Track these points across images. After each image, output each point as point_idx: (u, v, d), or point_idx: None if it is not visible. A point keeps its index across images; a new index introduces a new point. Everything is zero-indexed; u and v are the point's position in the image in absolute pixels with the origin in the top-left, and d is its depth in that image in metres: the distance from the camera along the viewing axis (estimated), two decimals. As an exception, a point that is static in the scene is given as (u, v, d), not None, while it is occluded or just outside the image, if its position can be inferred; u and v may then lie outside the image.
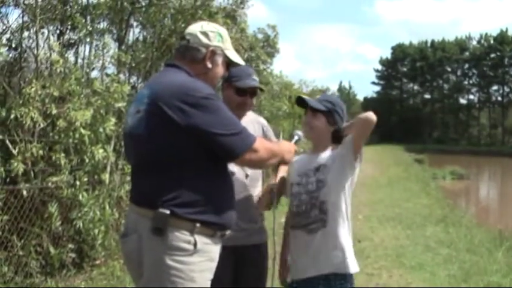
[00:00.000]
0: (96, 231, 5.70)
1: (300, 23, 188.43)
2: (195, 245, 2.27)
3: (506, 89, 74.96)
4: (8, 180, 5.42)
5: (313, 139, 2.93)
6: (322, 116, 2.84)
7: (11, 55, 7.09)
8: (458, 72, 79.29)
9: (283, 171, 3.07)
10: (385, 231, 8.72)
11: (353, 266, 2.78)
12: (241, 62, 2.67)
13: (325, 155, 2.85)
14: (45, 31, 6.98)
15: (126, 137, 2.50)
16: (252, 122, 3.19)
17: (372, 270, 6.19)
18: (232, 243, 2.72)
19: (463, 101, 79.72)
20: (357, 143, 2.73)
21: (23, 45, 6.97)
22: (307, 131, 2.91)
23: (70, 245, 5.67)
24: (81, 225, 5.56)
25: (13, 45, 7.02)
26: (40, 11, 6.35)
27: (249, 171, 3.07)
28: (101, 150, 5.69)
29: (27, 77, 6.79)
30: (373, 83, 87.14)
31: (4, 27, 6.95)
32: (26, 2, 6.69)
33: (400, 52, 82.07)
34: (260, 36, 18.38)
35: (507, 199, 20.79)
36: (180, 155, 2.29)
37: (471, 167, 32.62)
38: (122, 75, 7.84)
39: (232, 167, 2.70)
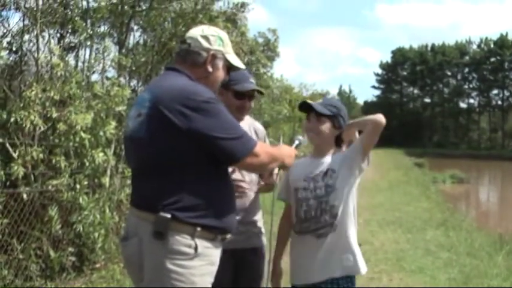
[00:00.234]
0: (96, 234, 5.70)
1: (300, 26, 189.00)
2: (195, 248, 2.27)
3: (506, 93, 75.06)
4: (8, 183, 5.41)
5: (319, 144, 2.92)
6: (327, 121, 2.84)
7: (11, 58, 7.09)
8: (459, 76, 79.40)
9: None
10: (385, 235, 8.71)
11: (363, 267, 2.81)
12: (242, 66, 2.68)
13: (330, 158, 2.85)
14: (46, 34, 6.98)
15: (127, 140, 2.50)
16: (248, 126, 3.19)
17: (372, 274, 6.18)
18: (231, 247, 2.73)
19: (463, 105, 79.96)
20: (367, 146, 2.75)
21: (24, 49, 6.98)
22: (313, 136, 2.89)
23: (70, 249, 5.66)
24: (81, 228, 5.55)
25: (14, 49, 7.02)
26: (41, 15, 6.36)
27: (246, 174, 3.07)
28: (101, 154, 5.68)
29: (27, 81, 6.79)
30: (373, 87, 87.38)
31: (5, 31, 6.96)
32: (27, 6, 6.70)
33: (400, 56, 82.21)
34: (260, 40, 18.42)
35: (507, 203, 20.79)
36: (181, 159, 2.29)
37: (471, 171, 32.62)
38: (122, 79, 7.84)
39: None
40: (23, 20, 6.83)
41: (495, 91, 76.28)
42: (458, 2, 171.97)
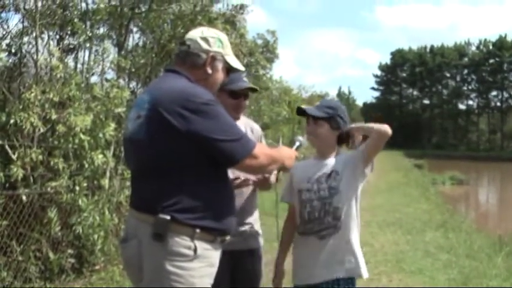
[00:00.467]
0: (96, 236, 5.70)
1: (300, 28, 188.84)
2: (195, 250, 2.27)
3: (505, 95, 75.21)
4: (7, 185, 5.41)
5: (319, 146, 2.94)
6: (324, 123, 2.85)
7: (10, 60, 7.10)
8: (458, 78, 79.52)
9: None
10: (385, 237, 8.71)
11: (364, 271, 2.82)
12: (241, 68, 2.68)
13: (334, 160, 2.86)
14: (45, 36, 7.00)
15: (126, 142, 2.49)
16: (244, 125, 3.21)
17: (371, 275, 6.17)
18: (228, 248, 2.73)
19: (462, 106, 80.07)
20: (370, 155, 2.76)
21: (23, 51, 6.99)
22: (313, 140, 2.92)
23: (69, 250, 5.66)
24: (80, 230, 5.56)
25: (13, 51, 7.03)
26: (40, 16, 6.37)
27: (243, 175, 3.07)
28: (100, 156, 5.69)
29: (27, 82, 6.80)
30: (373, 88, 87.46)
31: (4, 33, 6.97)
32: (26, 7, 6.70)
33: (400, 57, 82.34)
34: (259, 41, 18.44)
35: (506, 204, 20.80)
36: (181, 161, 2.29)
37: (470, 172, 32.64)
38: (121, 81, 7.85)
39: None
40: (23, 22, 6.85)
41: (494, 92, 76.44)
42: (457, 4, 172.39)
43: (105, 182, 6.05)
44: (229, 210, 2.45)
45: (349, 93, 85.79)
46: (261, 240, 3.26)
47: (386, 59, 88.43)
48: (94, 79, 7.50)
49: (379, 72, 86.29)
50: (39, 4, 6.53)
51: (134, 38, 8.81)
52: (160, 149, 2.29)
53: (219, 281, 2.46)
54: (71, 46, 7.57)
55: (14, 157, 5.38)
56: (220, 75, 2.57)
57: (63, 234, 5.62)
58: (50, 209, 5.46)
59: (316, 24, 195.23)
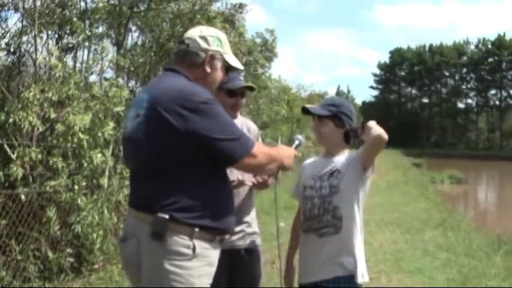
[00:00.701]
0: (95, 235, 5.69)
1: (299, 27, 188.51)
2: (194, 249, 2.27)
3: (504, 93, 75.29)
4: (6, 184, 5.41)
5: (325, 145, 2.94)
6: (329, 121, 2.85)
7: (9, 59, 7.09)
8: (456, 77, 79.58)
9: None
10: (383, 236, 8.72)
11: (364, 276, 2.81)
12: (240, 67, 2.68)
13: (340, 158, 2.85)
14: (44, 35, 6.98)
15: (126, 141, 2.49)
16: (241, 124, 3.21)
17: (371, 274, 6.13)
18: (225, 247, 2.72)
19: (461, 105, 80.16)
20: (367, 159, 2.73)
21: (22, 50, 6.98)
22: (318, 138, 2.94)
23: (68, 250, 5.66)
24: (79, 229, 5.55)
25: (12, 50, 7.02)
26: (39, 15, 6.36)
27: (240, 174, 3.07)
28: (99, 155, 5.68)
29: (25, 82, 6.79)
30: (372, 87, 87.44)
31: (3, 32, 6.96)
32: (25, 6, 6.69)
33: (398, 56, 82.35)
34: (258, 40, 18.43)
35: (505, 203, 20.82)
36: (180, 160, 2.29)
37: (469, 171, 32.68)
38: (120, 80, 7.85)
39: None
40: (22, 21, 6.84)
41: (493, 91, 76.54)
42: (456, 3, 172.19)
43: (104, 181, 6.04)
44: (228, 209, 2.45)
45: (348, 92, 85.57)
46: (259, 239, 3.27)
47: (386, 59, 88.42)
48: (93, 78, 7.49)
49: (378, 71, 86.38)
50: (38, 3, 6.52)
51: (133, 37, 8.81)
52: (159, 148, 2.29)
53: (217, 280, 2.45)
54: (70, 45, 7.57)
55: (13, 156, 5.37)
56: (219, 74, 2.57)
57: (62, 234, 5.62)
58: (49, 208, 5.46)
59: (315, 23, 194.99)
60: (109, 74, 7.90)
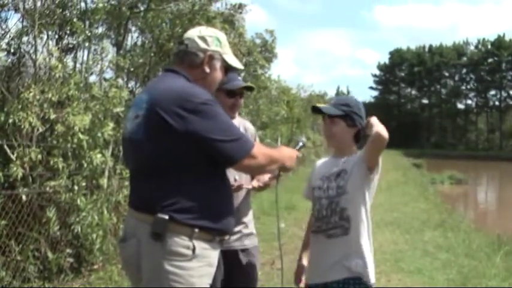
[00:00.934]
0: (94, 235, 5.69)
1: (298, 27, 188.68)
2: (193, 250, 2.27)
3: (504, 94, 75.31)
4: (6, 184, 5.41)
5: (335, 145, 2.90)
6: (340, 121, 2.81)
7: (9, 60, 7.10)
8: (456, 77, 79.63)
9: None
10: (383, 236, 8.70)
11: (372, 277, 2.74)
12: (240, 67, 2.67)
13: (349, 159, 2.81)
14: (44, 36, 6.98)
15: (125, 141, 2.49)
16: (238, 124, 3.21)
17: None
18: (223, 248, 2.72)
19: (460, 105, 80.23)
20: (370, 158, 2.69)
21: (22, 50, 6.98)
22: (328, 139, 2.90)
23: (68, 250, 5.66)
24: (79, 229, 5.55)
25: (12, 50, 7.02)
26: (39, 16, 6.36)
27: (237, 174, 3.07)
28: (99, 155, 5.68)
29: (25, 82, 6.78)
30: (371, 87, 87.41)
31: (3, 32, 6.97)
32: (26, 7, 6.70)
33: (398, 57, 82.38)
34: (258, 41, 18.37)
35: (505, 203, 20.81)
36: (179, 161, 2.29)
37: (469, 172, 32.66)
38: (120, 80, 7.84)
39: None
40: (22, 21, 6.84)
41: (493, 92, 76.60)
42: (456, 4, 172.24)
43: (104, 182, 6.04)
44: (227, 210, 2.45)
45: (348, 92, 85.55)
46: (256, 240, 3.27)
47: (386, 59, 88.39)
48: (93, 79, 7.49)
49: (377, 72, 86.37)
50: (38, 4, 6.53)
51: (133, 38, 8.83)
52: (158, 149, 2.29)
53: (214, 280, 2.46)
54: (70, 46, 7.57)
55: (13, 157, 5.37)
56: (218, 74, 2.57)
57: (62, 234, 5.61)
58: (49, 208, 5.46)
59: (315, 23, 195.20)
60: (109, 74, 7.92)
